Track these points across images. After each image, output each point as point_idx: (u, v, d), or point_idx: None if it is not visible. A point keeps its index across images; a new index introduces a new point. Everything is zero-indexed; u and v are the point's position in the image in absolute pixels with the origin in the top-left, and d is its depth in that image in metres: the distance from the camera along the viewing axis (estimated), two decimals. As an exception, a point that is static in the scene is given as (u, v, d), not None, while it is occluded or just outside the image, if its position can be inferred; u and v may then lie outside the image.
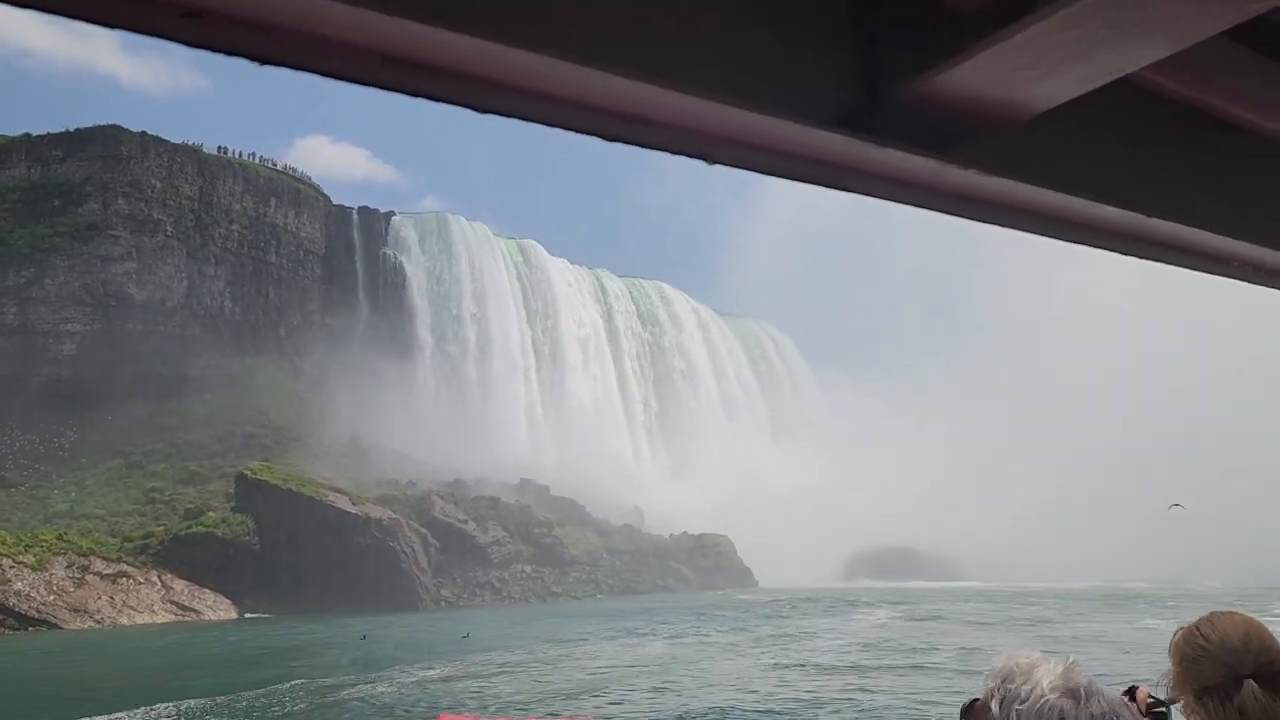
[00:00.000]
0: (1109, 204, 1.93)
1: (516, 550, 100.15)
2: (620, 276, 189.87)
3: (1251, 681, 2.34)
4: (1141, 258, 2.22)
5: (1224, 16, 1.43)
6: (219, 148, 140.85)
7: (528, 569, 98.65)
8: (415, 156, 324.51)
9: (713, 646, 38.48)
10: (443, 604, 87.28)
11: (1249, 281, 2.52)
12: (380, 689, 27.49)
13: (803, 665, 28.76)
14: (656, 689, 25.30)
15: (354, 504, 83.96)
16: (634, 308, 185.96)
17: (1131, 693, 2.57)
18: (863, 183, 1.72)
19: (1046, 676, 1.83)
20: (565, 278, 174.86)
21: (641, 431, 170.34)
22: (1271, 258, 2.36)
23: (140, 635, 60.56)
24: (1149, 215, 2.00)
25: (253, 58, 1.16)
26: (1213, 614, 2.53)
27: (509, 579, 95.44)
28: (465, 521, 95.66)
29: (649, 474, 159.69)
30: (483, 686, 27.72)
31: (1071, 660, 1.87)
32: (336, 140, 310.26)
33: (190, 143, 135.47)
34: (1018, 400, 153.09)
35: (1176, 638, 2.51)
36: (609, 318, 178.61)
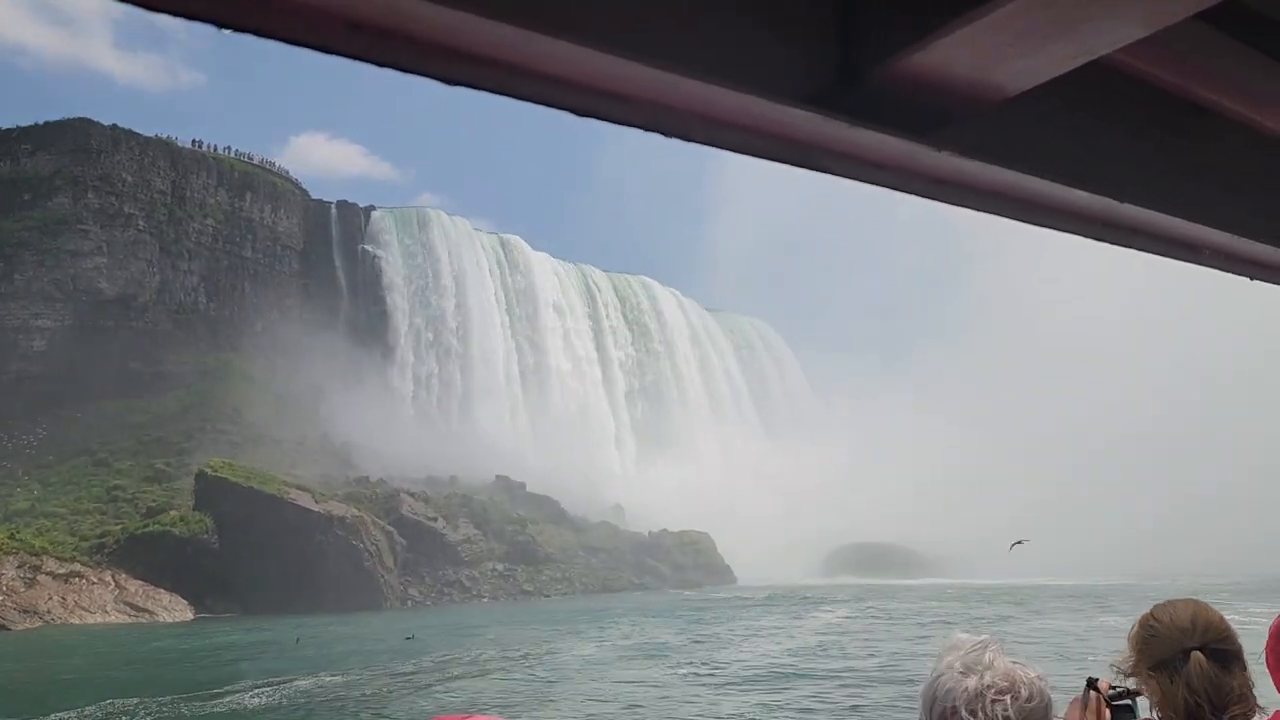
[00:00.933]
0: (1082, 188, 1.94)
1: (488, 548, 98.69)
2: (606, 272, 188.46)
3: (1198, 653, 2.48)
4: (1113, 243, 2.19)
5: None
6: (193, 141, 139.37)
7: (499, 567, 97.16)
8: (411, 153, 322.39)
9: (643, 648, 36.95)
10: (409, 603, 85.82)
11: (1219, 269, 2.45)
12: (258, 700, 25.98)
13: (717, 674, 27.25)
14: (544, 699, 23.83)
15: (317, 501, 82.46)
16: (619, 303, 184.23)
17: (1093, 684, 2.62)
18: (836, 163, 1.70)
19: (951, 655, 1.91)
20: (549, 273, 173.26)
21: (626, 427, 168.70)
22: (1242, 245, 2.33)
23: (77, 637, 59.07)
24: (1121, 200, 2.00)
25: (215, 23, 1.10)
26: (1167, 601, 2.65)
27: (479, 577, 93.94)
28: (435, 519, 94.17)
29: (632, 471, 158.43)
30: (372, 693, 26.26)
31: (984, 638, 1.94)
32: (332, 137, 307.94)
33: (163, 135, 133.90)
34: (1018, 398, 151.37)
35: (1134, 627, 2.63)
36: (594, 313, 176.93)
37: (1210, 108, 2.09)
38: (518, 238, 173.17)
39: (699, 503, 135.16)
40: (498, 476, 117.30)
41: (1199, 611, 2.59)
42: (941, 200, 1.89)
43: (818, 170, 1.68)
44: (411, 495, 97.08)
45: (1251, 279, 2.56)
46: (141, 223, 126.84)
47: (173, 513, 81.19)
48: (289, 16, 1.12)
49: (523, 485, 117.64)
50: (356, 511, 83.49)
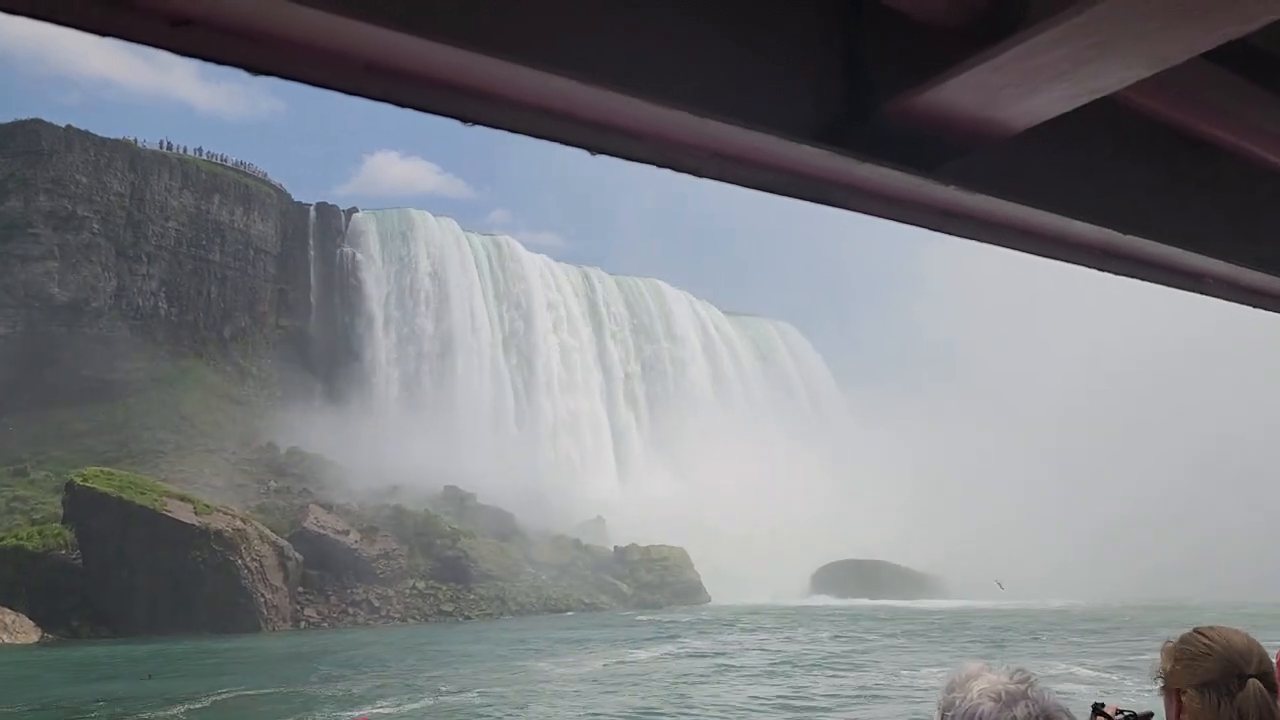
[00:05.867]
0: (1085, 220, 1.98)
1: (412, 564, 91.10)
2: (614, 275, 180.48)
3: (1256, 681, 2.42)
4: (1116, 274, 2.26)
5: (1202, 39, 1.44)
6: (161, 142, 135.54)
7: (420, 585, 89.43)
8: (485, 171, 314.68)
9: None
10: (303, 624, 78.83)
11: (1221, 298, 2.51)
12: None
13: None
14: None
15: (197, 514, 75.84)
16: (626, 306, 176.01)
17: (1100, 709, 2.51)
18: (845, 197, 1.74)
19: (981, 684, 1.89)
20: (546, 275, 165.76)
21: (625, 437, 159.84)
22: (1245, 275, 2.40)
23: None
24: (1124, 232, 2.05)
25: (243, 66, 1.16)
26: (1207, 625, 2.56)
27: (393, 596, 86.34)
28: (346, 533, 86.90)
29: (633, 483, 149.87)
30: None
31: (1016, 669, 1.92)
32: (406, 155, 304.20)
33: (125, 137, 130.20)
34: (1006, 412, 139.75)
35: (1171, 643, 2.54)
36: (596, 316, 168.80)
37: (1211, 141, 2.05)
38: (510, 238, 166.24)
39: (693, 517, 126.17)
40: (446, 487, 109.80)
41: (1252, 640, 2.46)
42: (948, 233, 1.89)
43: (828, 204, 1.72)
44: (324, 507, 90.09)
45: (1254, 308, 2.51)
46: (96, 226, 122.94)
47: (32, 527, 75.39)
48: (310, 61, 1.17)
49: (473, 496, 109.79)
50: (240, 524, 76.65)
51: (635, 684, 30.95)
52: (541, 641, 52.04)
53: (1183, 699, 2.42)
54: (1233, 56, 1.78)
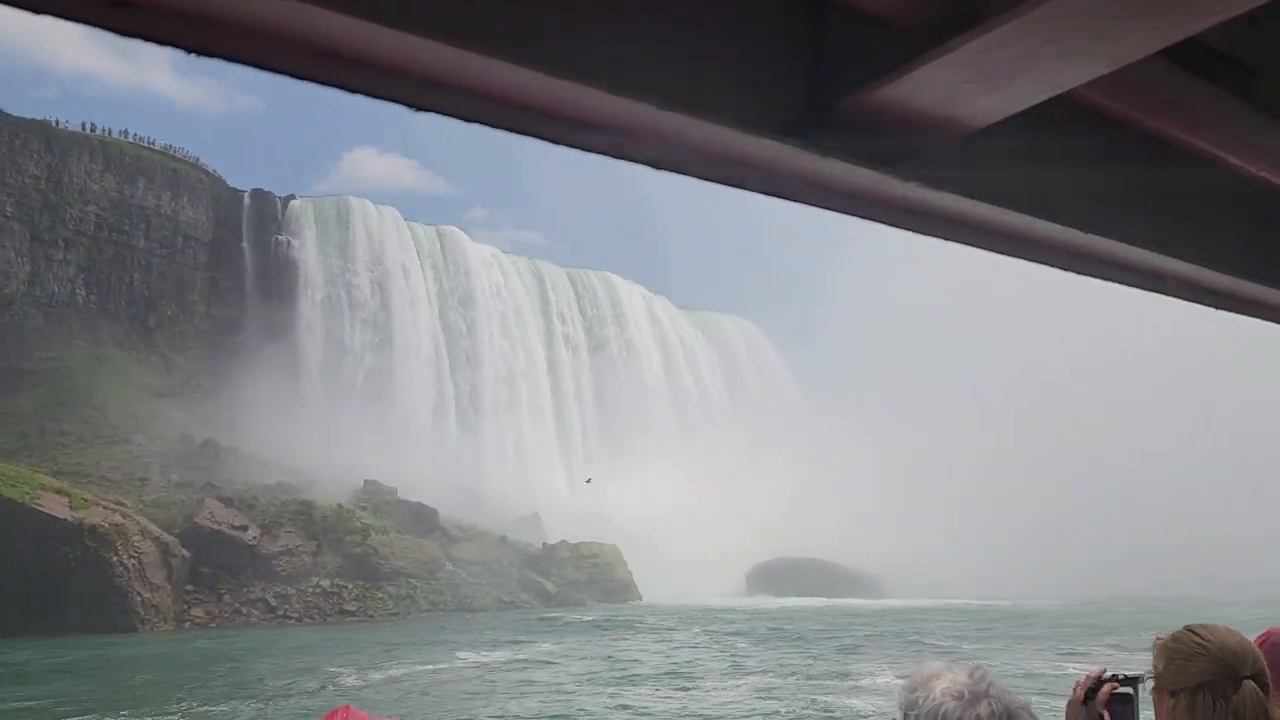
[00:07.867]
0: (1047, 219, 1.99)
1: (317, 561, 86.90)
2: (565, 267, 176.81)
3: (1252, 682, 2.41)
4: (1079, 274, 2.26)
5: (1160, 36, 1.45)
6: (83, 124, 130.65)
7: (324, 583, 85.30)
8: (466, 167, 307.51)
9: None
10: (188, 625, 74.62)
11: (1185, 299, 2.52)
12: None
13: None
14: None
15: (73, 508, 71.49)
16: (577, 300, 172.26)
17: (1099, 687, 2.49)
18: (806, 193, 1.74)
19: (943, 683, 1.91)
20: (492, 267, 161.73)
21: (572, 432, 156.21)
22: (1206, 276, 2.43)
23: None
24: (1086, 231, 2.06)
25: (183, 47, 1.12)
26: (1199, 623, 2.53)
27: (293, 596, 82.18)
28: (244, 528, 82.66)
29: (578, 478, 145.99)
30: None
31: (975, 666, 1.95)
32: (383, 152, 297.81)
33: (42, 118, 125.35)
34: (959, 414, 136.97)
35: (1162, 641, 2.51)
36: (544, 309, 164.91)
37: (1173, 141, 2.08)
38: (455, 229, 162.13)
39: (640, 514, 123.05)
40: (366, 482, 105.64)
41: (1245, 640, 2.47)
42: (911, 230, 1.89)
43: (789, 199, 1.71)
44: (224, 501, 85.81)
45: (1216, 309, 2.53)
46: (10, 209, 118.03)
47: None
48: (255, 44, 1.13)
49: (394, 491, 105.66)
50: (120, 519, 72.36)
51: (401, 697, 27.23)
52: (395, 646, 48.10)
53: (1173, 700, 2.32)
54: (1194, 58, 1.77)
